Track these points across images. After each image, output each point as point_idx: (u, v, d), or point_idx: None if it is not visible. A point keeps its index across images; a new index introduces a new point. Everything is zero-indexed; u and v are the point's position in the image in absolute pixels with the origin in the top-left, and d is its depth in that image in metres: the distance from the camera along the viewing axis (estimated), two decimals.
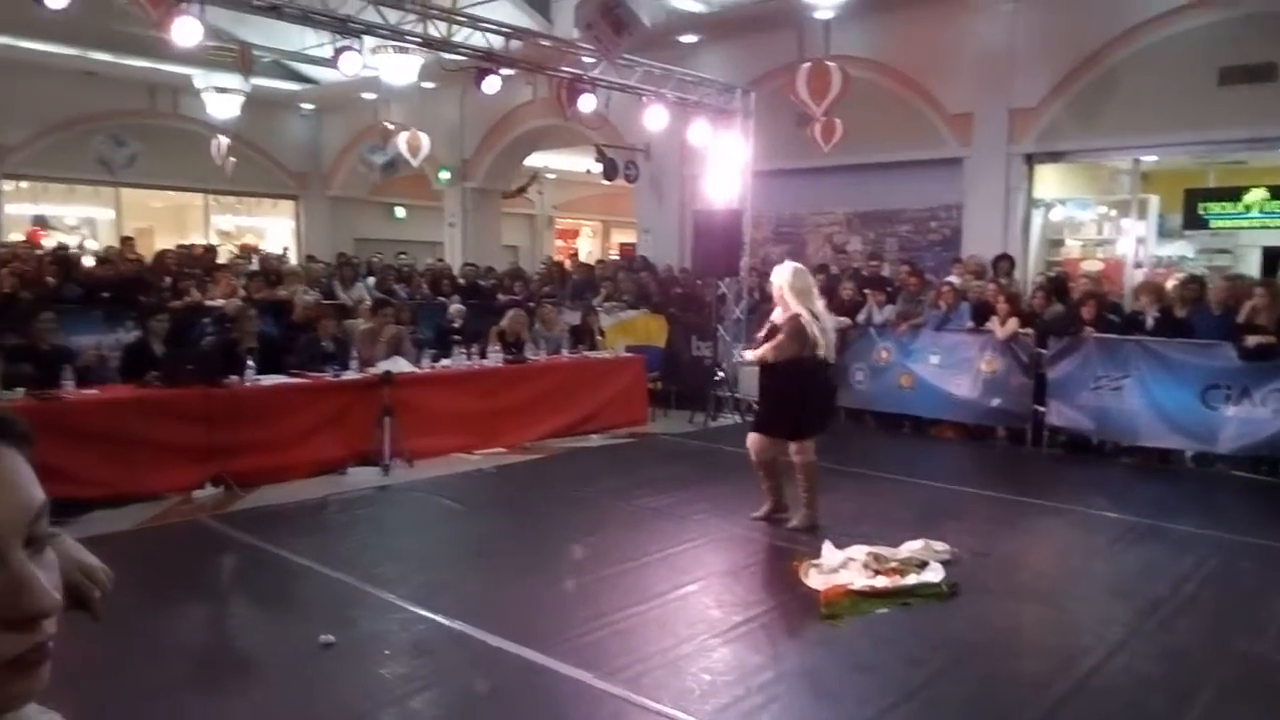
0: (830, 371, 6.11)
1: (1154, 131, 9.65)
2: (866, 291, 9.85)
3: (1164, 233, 10.91)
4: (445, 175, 16.36)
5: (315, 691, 3.63)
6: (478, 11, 9.28)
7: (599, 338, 10.35)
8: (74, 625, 1.25)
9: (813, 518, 5.76)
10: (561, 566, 5.15)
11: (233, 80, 13.34)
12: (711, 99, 10.43)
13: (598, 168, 12.71)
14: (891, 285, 10.09)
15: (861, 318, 9.73)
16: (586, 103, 9.24)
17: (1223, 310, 7.90)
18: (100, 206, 16.77)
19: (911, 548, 5.16)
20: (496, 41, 8.75)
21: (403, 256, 14.23)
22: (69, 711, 0.86)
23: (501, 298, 11.93)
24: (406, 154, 14.10)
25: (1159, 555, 5.50)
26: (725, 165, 10.63)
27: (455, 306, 10.19)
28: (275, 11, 7.40)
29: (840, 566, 4.90)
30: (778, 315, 5.78)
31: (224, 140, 14.31)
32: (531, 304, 10.89)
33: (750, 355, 6.16)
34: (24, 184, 15.86)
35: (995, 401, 8.75)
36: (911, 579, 4.76)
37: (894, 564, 4.90)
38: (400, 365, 7.96)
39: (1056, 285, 9.15)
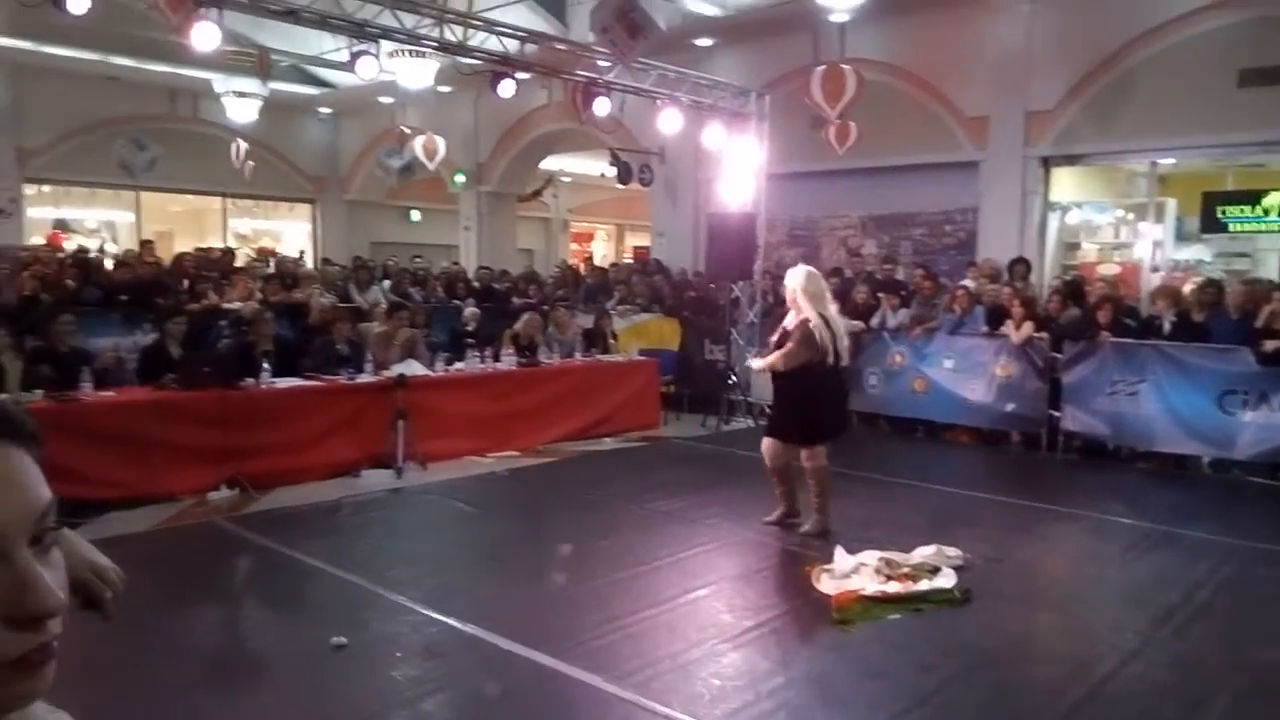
0: (843, 376, 6.09)
1: (1172, 134, 9.59)
2: (880, 295, 9.82)
3: (1181, 236, 10.82)
4: (461, 179, 16.43)
5: (327, 693, 3.66)
6: (493, 15, 9.32)
7: (612, 341, 10.36)
8: (88, 625, 1.27)
9: (824, 523, 5.75)
10: (573, 570, 5.16)
11: (252, 84, 13.45)
12: (726, 102, 10.43)
13: (612, 171, 12.70)
14: (906, 289, 10.05)
15: (875, 321, 9.70)
16: (601, 106, 9.25)
17: (1241, 315, 7.83)
18: (121, 210, 16.95)
19: (924, 553, 5.14)
20: (512, 45, 8.78)
21: (418, 260, 14.29)
22: (81, 710, 0.87)
23: (516, 301, 11.96)
24: (422, 158, 14.17)
25: (1174, 562, 5.46)
26: (739, 168, 10.62)
27: (470, 310, 10.22)
28: (293, 16, 7.47)
29: (852, 572, 4.89)
30: (791, 320, 5.78)
31: (243, 144, 14.45)
32: (545, 307, 10.91)
33: (758, 364, 6.17)
34: (46, 188, 16.05)
35: (1010, 406, 8.70)
36: (924, 584, 4.74)
37: (906, 569, 4.88)
38: (414, 368, 8.00)
39: (1072, 289, 9.09)
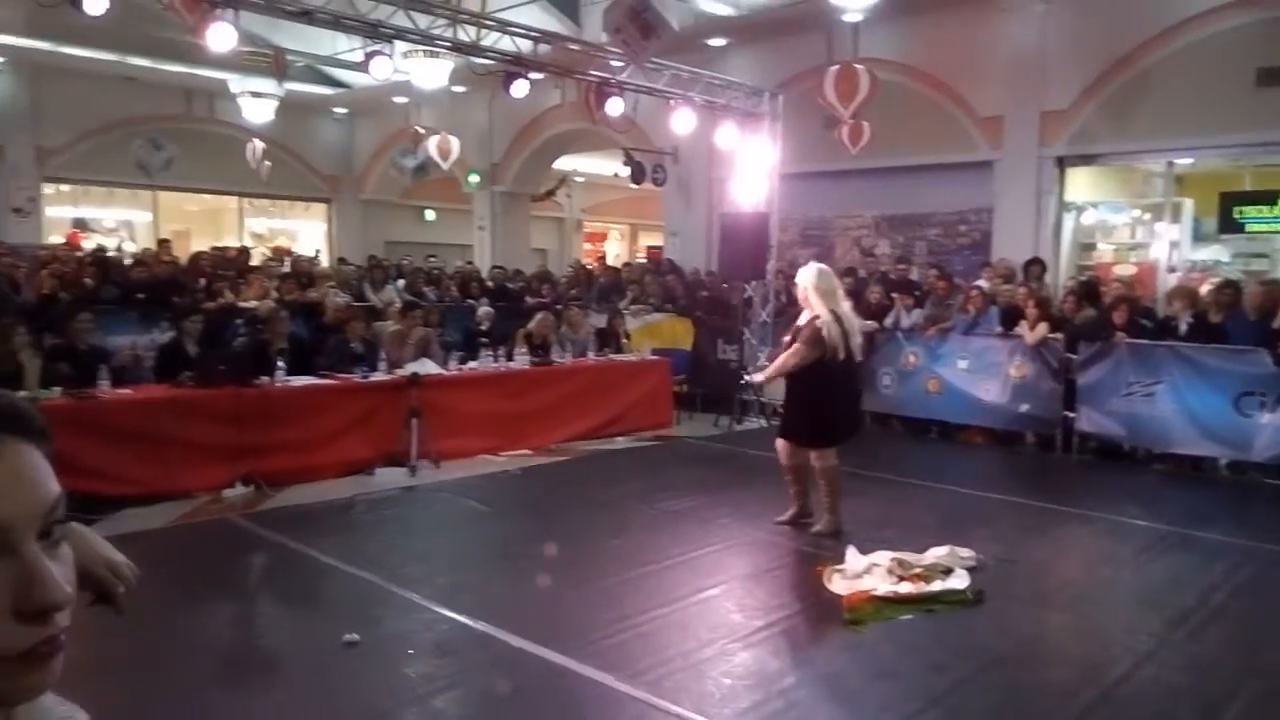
0: (857, 375, 6.06)
1: (1189, 134, 9.51)
2: (894, 295, 9.79)
3: (1199, 236, 10.73)
4: (475, 179, 16.48)
5: (339, 689, 3.68)
6: (507, 16, 9.34)
7: (625, 340, 10.37)
8: (102, 620, 1.29)
9: (836, 523, 5.74)
10: (585, 568, 5.17)
11: (267, 85, 13.52)
12: (739, 102, 10.42)
13: (626, 171, 12.73)
14: (919, 289, 10.01)
15: (889, 322, 9.67)
16: (614, 106, 9.26)
17: (1258, 316, 7.75)
18: (138, 209, 17.09)
19: (937, 554, 5.12)
20: (525, 45, 8.80)
21: (432, 259, 14.35)
22: (95, 705, 0.88)
23: (529, 300, 11.99)
24: (437, 157, 14.23)
25: (1189, 564, 5.42)
26: (752, 168, 10.61)
27: (483, 309, 10.26)
28: (307, 17, 7.51)
29: (864, 572, 4.88)
30: (804, 319, 5.76)
31: (259, 144, 14.54)
32: (559, 307, 10.94)
33: (759, 378, 6.18)
34: (64, 187, 16.20)
35: (1024, 407, 8.66)
36: (936, 585, 4.72)
37: (919, 570, 4.87)
38: (428, 367, 8.03)
39: (1088, 290, 9.04)
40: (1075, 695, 3.66)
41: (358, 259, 14.18)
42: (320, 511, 6.32)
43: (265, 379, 6.97)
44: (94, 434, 5.98)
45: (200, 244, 14.96)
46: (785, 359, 5.72)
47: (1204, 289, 8.87)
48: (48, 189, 15.62)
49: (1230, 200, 9.89)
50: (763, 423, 9.68)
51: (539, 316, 9.57)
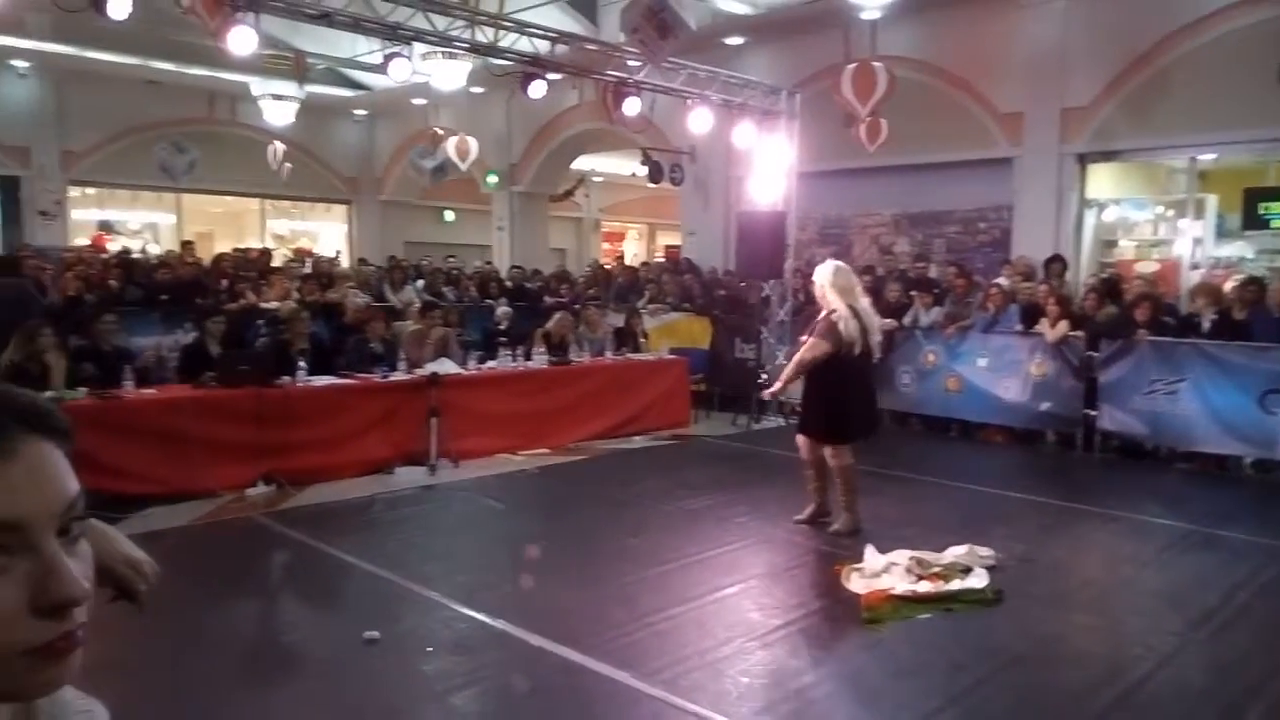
0: (870, 374, 6.04)
1: (1211, 129, 9.40)
2: (913, 293, 9.75)
3: (1222, 233, 10.60)
4: (493, 179, 16.54)
5: (358, 686, 3.71)
6: (524, 16, 9.38)
7: (643, 340, 10.38)
8: (124, 617, 1.32)
9: (854, 521, 5.72)
10: (602, 567, 5.19)
11: (288, 87, 13.66)
12: (757, 101, 10.40)
13: (643, 171, 12.74)
14: (939, 287, 9.97)
15: (908, 320, 9.63)
16: (632, 106, 9.27)
17: None
18: (162, 212, 17.29)
19: (956, 553, 5.10)
20: (543, 46, 8.82)
21: (451, 259, 14.42)
22: (116, 700, 0.90)
23: (547, 300, 12.03)
24: (455, 158, 14.29)
25: (1212, 564, 5.36)
26: (770, 167, 10.59)
27: (502, 309, 10.30)
28: (327, 20, 7.58)
29: (883, 571, 4.87)
30: (822, 315, 5.76)
31: (280, 146, 14.67)
32: (577, 306, 10.96)
33: (775, 388, 6.20)
34: (90, 190, 16.42)
35: (1045, 405, 8.60)
36: (955, 584, 4.70)
37: (937, 569, 4.85)
38: (447, 366, 8.07)
39: (1109, 287, 8.96)
40: (1095, 696, 3.64)
41: (377, 260, 14.26)
42: (341, 510, 6.37)
43: (286, 379, 7.03)
44: (118, 434, 6.06)
45: (223, 245, 15.14)
46: (800, 355, 5.72)
47: (1228, 286, 8.77)
48: (73, 192, 15.84)
49: (1254, 196, 9.75)
50: (781, 421, 9.65)
51: (557, 316, 9.60)
